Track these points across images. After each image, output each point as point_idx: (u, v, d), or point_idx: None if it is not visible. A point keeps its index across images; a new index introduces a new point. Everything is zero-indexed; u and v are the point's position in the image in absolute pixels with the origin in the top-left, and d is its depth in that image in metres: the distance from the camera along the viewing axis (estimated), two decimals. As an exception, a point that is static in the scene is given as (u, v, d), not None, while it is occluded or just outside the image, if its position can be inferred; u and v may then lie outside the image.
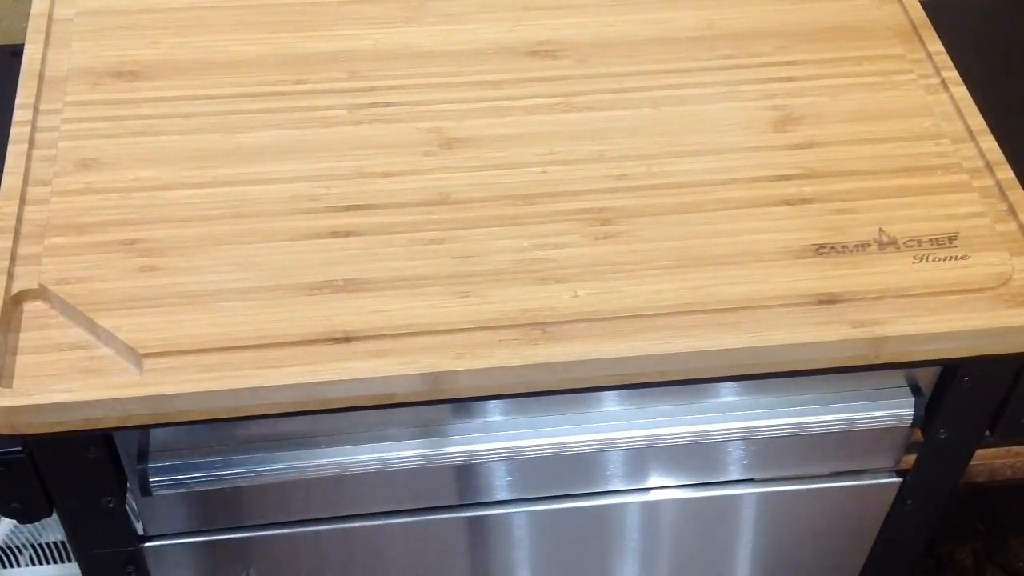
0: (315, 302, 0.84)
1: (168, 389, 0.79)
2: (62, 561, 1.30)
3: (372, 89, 0.99)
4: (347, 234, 0.88)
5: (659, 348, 0.83)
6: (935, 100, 1.00)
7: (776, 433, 0.93)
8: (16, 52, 1.06)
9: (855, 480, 1.01)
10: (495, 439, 0.91)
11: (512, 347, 0.82)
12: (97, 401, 0.79)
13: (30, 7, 1.07)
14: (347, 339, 0.82)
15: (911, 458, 1.00)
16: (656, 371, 0.84)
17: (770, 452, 0.98)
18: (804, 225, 0.90)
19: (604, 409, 0.92)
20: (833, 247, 0.89)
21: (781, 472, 1.00)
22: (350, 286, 0.85)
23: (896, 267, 0.88)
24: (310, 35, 1.03)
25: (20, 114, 0.95)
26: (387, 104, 0.97)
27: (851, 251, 0.89)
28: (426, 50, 1.02)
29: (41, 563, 1.30)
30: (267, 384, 0.80)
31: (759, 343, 0.83)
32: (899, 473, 1.01)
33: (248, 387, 0.80)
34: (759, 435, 0.93)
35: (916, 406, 0.93)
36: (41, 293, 0.84)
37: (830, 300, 0.86)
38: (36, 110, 0.96)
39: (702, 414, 0.92)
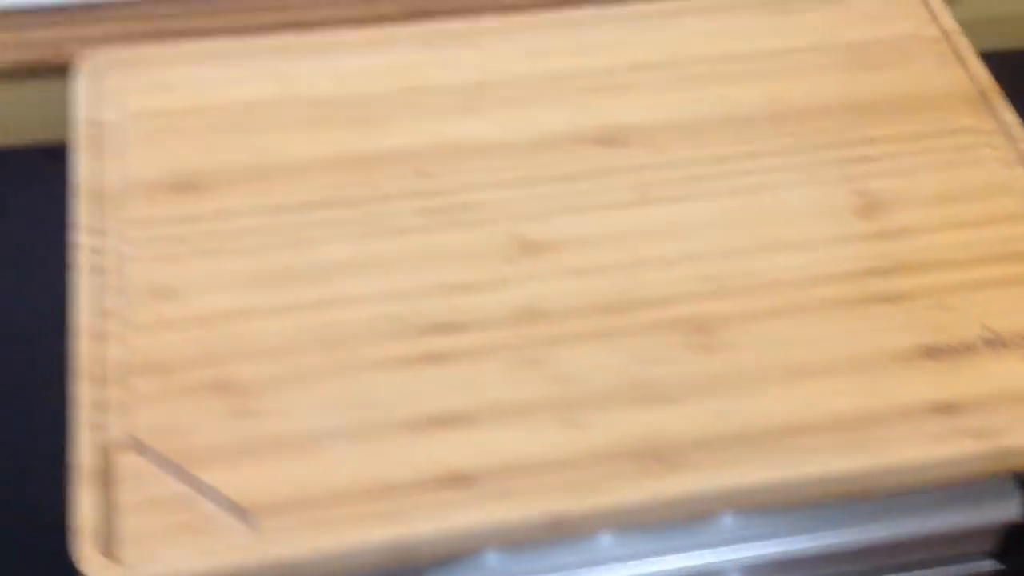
0: (421, 440, 0.81)
1: (284, 550, 0.76)
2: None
3: (440, 191, 0.95)
4: (440, 359, 0.85)
5: (783, 475, 0.80)
6: (1013, 175, 0.98)
7: (879, 543, 0.90)
8: (51, 152, 1.01)
9: (948, 567, 0.99)
10: (601, 564, 0.87)
11: (631, 479, 0.80)
12: (212, 571, 0.75)
13: (57, 104, 1.03)
14: (460, 481, 0.79)
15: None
16: (781, 497, 0.81)
17: (866, 554, 0.95)
18: (905, 324, 0.88)
19: (712, 528, 0.89)
20: (939, 349, 0.87)
21: (874, 565, 0.98)
22: (452, 419, 0.82)
23: (1007, 367, 0.86)
24: (368, 130, 0.99)
25: (82, 238, 0.91)
26: (459, 207, 0.94)
27: (959, 352, 0.86)
28: (490, 141, 0.99)
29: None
30: (388, 538, 0.76)
31: (883, 464, 0.81)
32: (997, 557, 0.99)
33: (371, 543, 0.76)
34: (862, 546, 0.91)
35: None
36: (135, 445, 0.80)
37: (946, 409, 0.84)
38: (96, 231, 0.91)
39: (801, 533, 0.89)
